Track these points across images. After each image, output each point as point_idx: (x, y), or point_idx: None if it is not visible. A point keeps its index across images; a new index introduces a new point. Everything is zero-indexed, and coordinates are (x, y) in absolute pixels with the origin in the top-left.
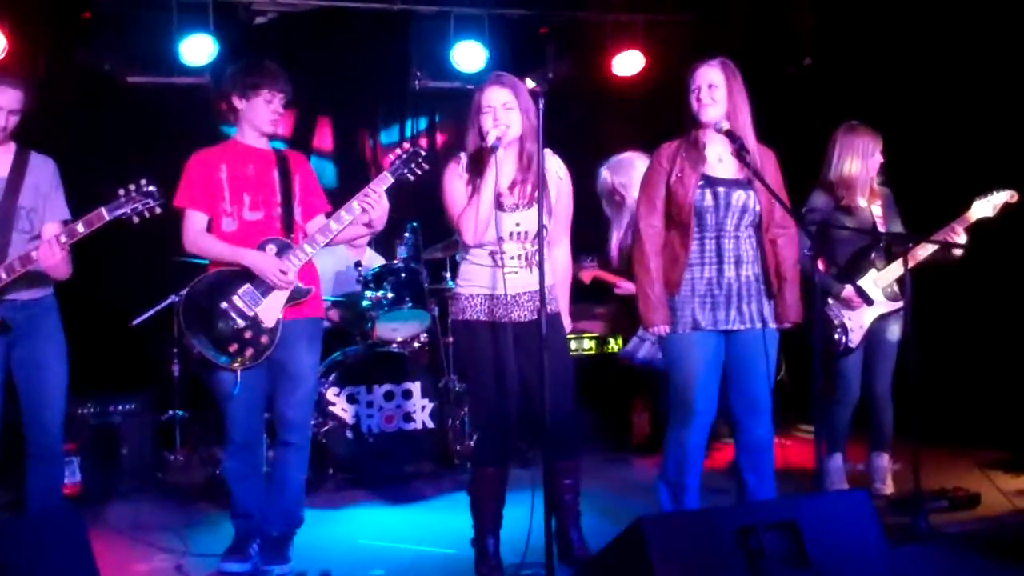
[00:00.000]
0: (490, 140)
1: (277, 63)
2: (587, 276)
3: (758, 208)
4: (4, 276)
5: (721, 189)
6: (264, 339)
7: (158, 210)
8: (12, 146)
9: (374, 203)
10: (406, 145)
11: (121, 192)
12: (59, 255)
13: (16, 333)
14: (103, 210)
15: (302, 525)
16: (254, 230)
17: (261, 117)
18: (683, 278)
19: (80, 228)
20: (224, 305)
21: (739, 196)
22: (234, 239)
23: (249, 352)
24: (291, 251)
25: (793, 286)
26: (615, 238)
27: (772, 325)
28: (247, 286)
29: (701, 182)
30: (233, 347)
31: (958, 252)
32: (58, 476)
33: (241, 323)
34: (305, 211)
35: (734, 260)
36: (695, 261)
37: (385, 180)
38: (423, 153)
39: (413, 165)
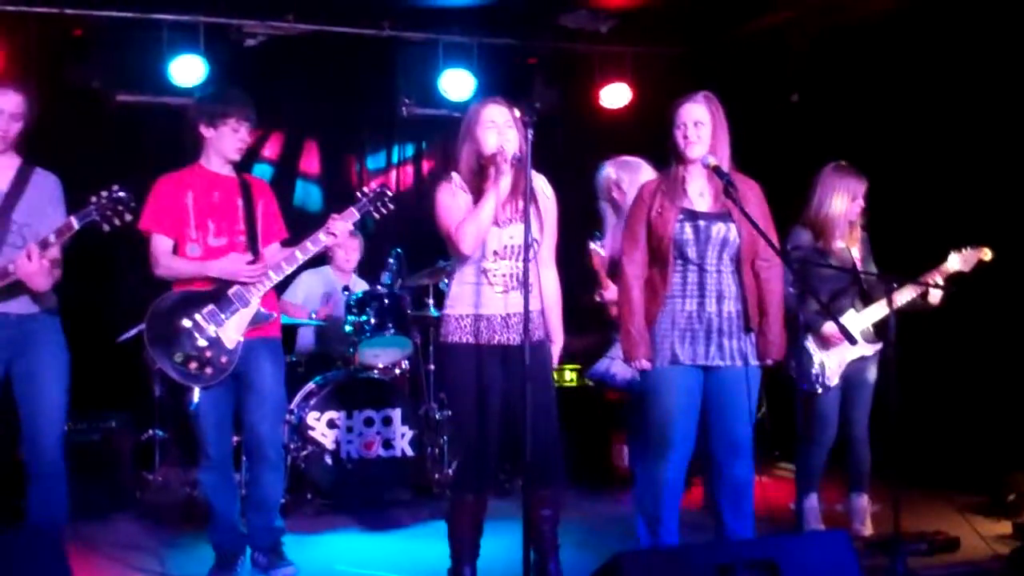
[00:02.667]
0: (509, 152)
1: (266, 86)
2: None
3: (738, 241)
4: None
5: (701, 222)
6: (224, 359)
7: (128, 216)
8: (16, 160)
9: (336, 231)
10: (374, 184)
11: (92, 199)
12: (34, 265)
13: (15, 349)
14: (72, 219)
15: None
16: (218, 256)
17: (228, 145)
18: (662, 311)
19: (52, 239)
20: (187, 324)
21: (719, 229)
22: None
23: (209, 371)
24: (258, 263)
25: (776, 323)
26: (607, 244)
27: (754, 363)
28: (210, 307)
29: (681, 216)
30: (193, 365)
31: (935, 300)
32: (61, 494)
33: (203, 342)
34: (264, 237)
35: (715, 295)
36: (676, 294)
37: (350, 216)
38: (390, 193)
39: (379, 204)
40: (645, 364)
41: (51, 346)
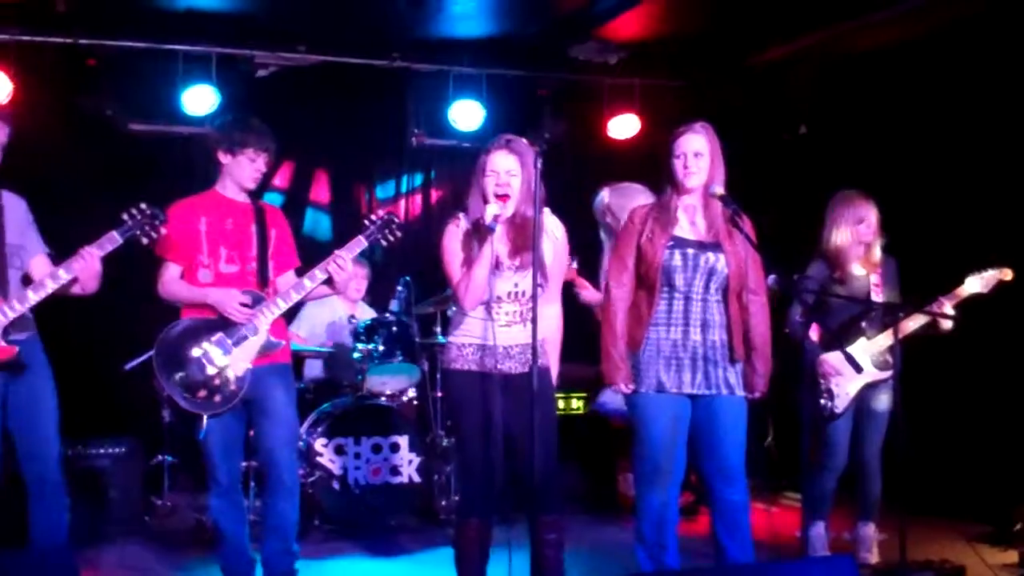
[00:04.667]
0: (488, 219)
1: (277, 116)
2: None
3: (726, 271)
4: (20, 308)
5: (690, 250)
6: (233, 387)
7: (163, 230)
8: None
9: (339, 268)
10: (381, 212)
11: (126, 216)
12: (98, 265)
13: (8, 373)
14: (114, 233)
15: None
16: (229, 282)
17: (244, 174)
18: (647, 337)
19: (95, 250)
20: (195, 352)
21: (707, 258)
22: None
23: (217, 398)
24: (264, 304)
25: (763, 356)
26: (602, 267)
27: (740, 393)
28: (219, 334)
29: (670, 243)
30: (202, 393)
31: (947, 325)
32: (63, 510)
33: (211, 370)
34: (277, 266)
35: (700, 323)
36: (661, 321)
37: (359, 244)
38: (397, 220)
39: (387, 231)
40: (624, 388)
41: (43, 368)
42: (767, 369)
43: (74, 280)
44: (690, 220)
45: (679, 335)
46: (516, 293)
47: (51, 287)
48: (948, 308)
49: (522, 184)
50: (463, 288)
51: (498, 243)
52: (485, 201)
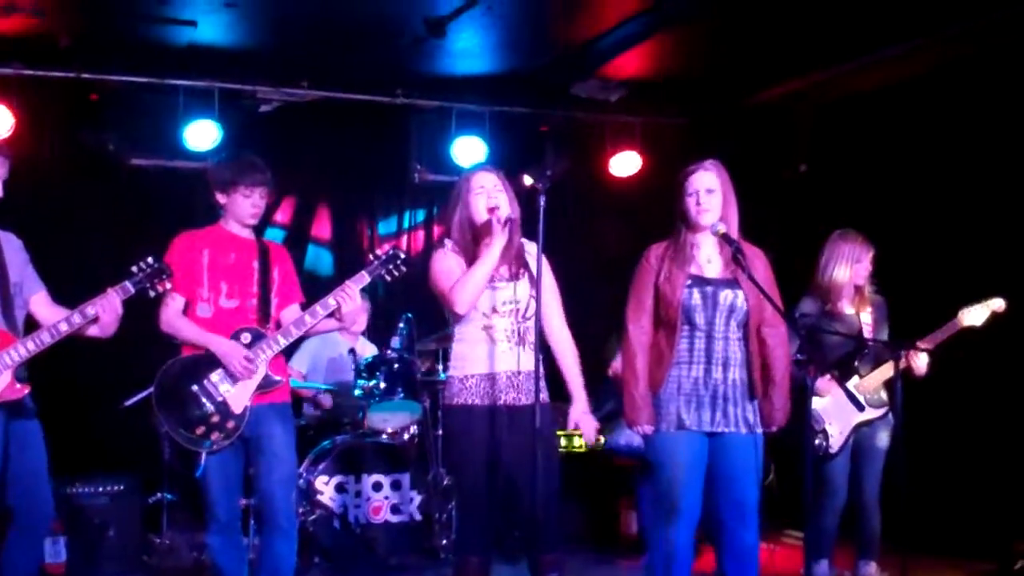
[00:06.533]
0: (503, 214)
1: (280, 151)
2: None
3: (746, 307)
4: (48, 339)
5: (709, 288)
6: (231, 424)
7: (168, 284)
8: None
9: (347, 298)
10: (386, 247)
11: (135, 269)
12: (120, 307)
13: (11, 412)
14: (127, 283)
15: None
16: (229, 318)
17: (242, 211)
18: (668, 376)
19: (120, 292)
20: (194, 388)
21: (727, 295)
22: (208, 325)
23: (216, 435)
24: (264, 341)
25: (781, 389)
26: None
27: (758, 430)
28: (218, 371)
29: (689, 281)
30: (200, 430)
31: (921, 370)
32: (41, 547)
33: (210, 407)
34: (280, 302)
35: (722, 362)
36: (683, 360)
37: (362, 279)
38: (402, 255)
39: (391, 266)
40: (647, 429)
41: (32, 406)
42: (785, 403)
43: (94, 320)
44: (706, 258)
45: (700, 373)
46: (508, 306)
47: (77, 321)
48: (930, 343)
49: (510, 202)
50: (461, 284)
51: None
52: (472, 218)
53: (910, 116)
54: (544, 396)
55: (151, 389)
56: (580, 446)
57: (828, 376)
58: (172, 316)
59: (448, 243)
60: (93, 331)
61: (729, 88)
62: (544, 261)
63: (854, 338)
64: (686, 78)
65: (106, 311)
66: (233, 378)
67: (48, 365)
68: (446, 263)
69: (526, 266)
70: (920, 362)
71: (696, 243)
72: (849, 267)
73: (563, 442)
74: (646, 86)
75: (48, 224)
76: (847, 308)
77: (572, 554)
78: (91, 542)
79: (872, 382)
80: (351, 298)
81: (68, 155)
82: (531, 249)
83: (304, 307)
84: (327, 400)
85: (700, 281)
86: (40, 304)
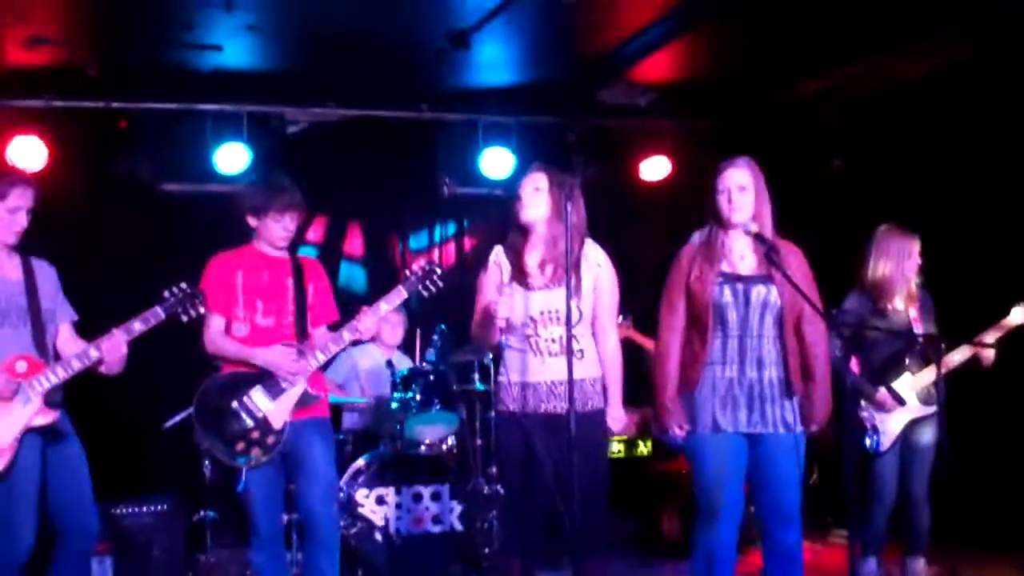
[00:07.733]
0: (530, 215)
1: (309, 171)
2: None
3: (779, 303)
4: (63, 374)
5: (740, 285)
6: (271, 439)
7: (202, 309)
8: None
9: (377, 319)
10: (421, 262)
11: (167, 294)
12: (124, 349)
13: (47, 438)
14: (158, 308)
15: None
16: (265, 336)
17: (273, 234)
18: (702, 376)
19: (137, 325)
20: (234, 405)
21: (759, 291)
22: (245, 344)
23: (255, 451)
24: (303, 357)
25: (822, 387)
26: None
27: (798, 429)
28: (258, 387)
29: (720, 279)
30: (240, 446)
31: (990, 358)
32: (88, 568)
33: (250, 423)
34: (314, 318)
35: (756, 361)
36: (716, 360)
37: (399, 295)
38: (439, 271)
39: (428, 282)
40: (679, 432)
41: (72, 431)
42: (826, 400)
43: (100, 360)
44: (738, 255)
45: (734, 372)
46: (548, 313)
47: (77, 367)
48: (989, 339)
49: (549, 200)
50: (474, 325)
51: (528, 255)
52: (516, 221)
53: (941, 107)
54: (593, 403)
55: (191, 409)
56: (618, 452)
57: (883, 389)
58: (215, 336)
59: (495, 252)
60: (101, 369)
61: (758, 86)
62: (602, 267)
63: (901, 334)
64: (714, 78)
65: (110, 352)
66: (273, 394)
67: (90, 389)
68: (485, 279)
69: (578, 272)
70: (989, 352)
71: (728, 240)
72: (899, 263)
73: (619, 448)
74: (673, 89)
75: (82, 252)
76: (898, 304)
77: (614, 559)
78: (137, 561)
79: (924, 379)
80: (377, 317)
81: (100, 183)
82: (590, 252)
83: (340, 324)
84: (366, 417)
85: (732, 278)
86: (63, 335)
